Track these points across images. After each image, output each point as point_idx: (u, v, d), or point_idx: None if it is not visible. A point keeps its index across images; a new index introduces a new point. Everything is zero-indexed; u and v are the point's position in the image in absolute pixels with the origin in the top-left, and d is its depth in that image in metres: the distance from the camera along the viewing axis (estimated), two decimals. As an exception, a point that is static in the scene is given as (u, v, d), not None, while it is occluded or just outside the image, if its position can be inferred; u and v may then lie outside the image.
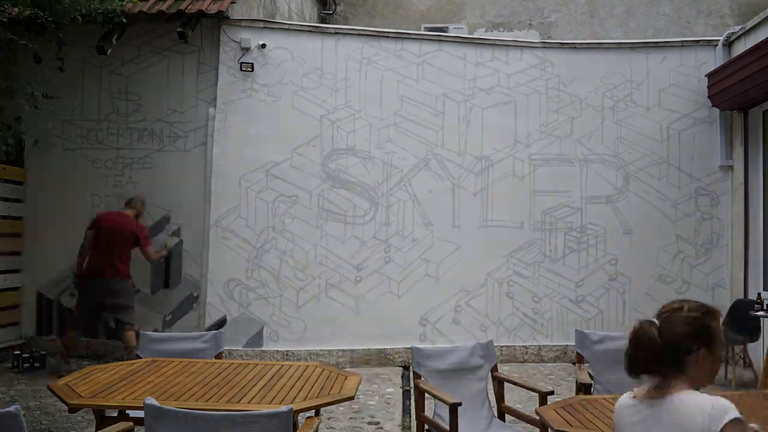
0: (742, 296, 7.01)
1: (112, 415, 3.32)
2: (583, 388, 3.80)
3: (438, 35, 7.80)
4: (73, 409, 3.01)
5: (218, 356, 4.26)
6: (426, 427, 3.71)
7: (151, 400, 2.52)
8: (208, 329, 6.96)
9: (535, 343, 7.31)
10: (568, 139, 7.48)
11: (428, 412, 3.79)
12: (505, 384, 4.06)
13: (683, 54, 7.60)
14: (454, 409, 3.27)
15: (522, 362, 7.22)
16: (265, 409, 2.80)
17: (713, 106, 7.40)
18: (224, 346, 4.40)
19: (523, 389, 5.91)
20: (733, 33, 7.44)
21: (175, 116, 7.22)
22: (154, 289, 7.16)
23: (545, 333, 7.31)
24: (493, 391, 4.06)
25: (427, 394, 3.68)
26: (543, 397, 3.56)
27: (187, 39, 6.81)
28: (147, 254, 6.50)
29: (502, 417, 3.94)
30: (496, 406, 4.01)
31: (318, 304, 7.10)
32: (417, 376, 3.82)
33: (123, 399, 3.05)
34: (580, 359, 4.25)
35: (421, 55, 7.42)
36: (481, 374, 4.03)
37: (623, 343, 1.93)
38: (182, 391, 3.16)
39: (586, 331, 4.39)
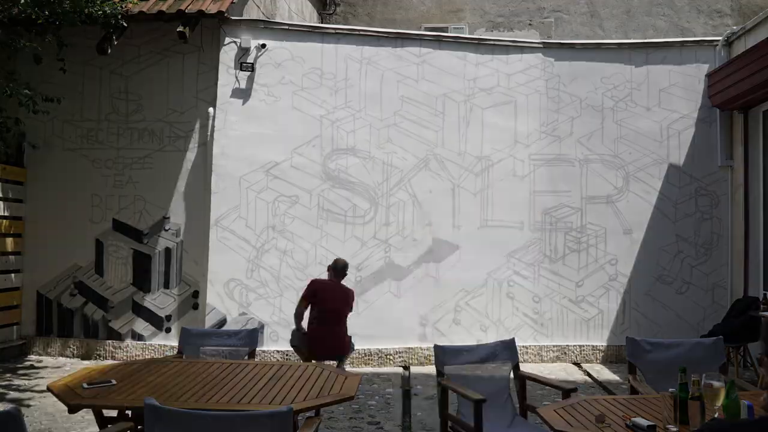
0: (741, 296, 7.00)
1: (112, 415, 3.32)
2: None
3: (438, 35, 7.79)
4: (73, 409, 3.01)
5: (252, 354, 4.31)
6: (450, 424, 3.69)
7: (151, 400, 2.51)
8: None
9: (536, 343, 7.31)
10: (568, 139, 7.48)
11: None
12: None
13: (683, 54, 7.60)
14: (478, 406, 3.24)
15: (522, 362, 7.18)
16: (265, 409, 2.80)
17: (713, 106, 7.40)
18: (259, 345, 4.44)
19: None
20: (733, 33, 7.44)
21: (175, 116, 7.22)
22: (154, 289, 7.17)
23: (545, 333, 7.31)
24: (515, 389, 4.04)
25: (451, 392, 3.67)
26: (566, 394, 3.50)
27: (187, 39, 6.81)
28: None
29: (524, 414, 3.93)
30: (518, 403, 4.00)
31: (318, 304, 7.09)
32: (440, 374, 3.82)
33: (123, 399, 3.05)
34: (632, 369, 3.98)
35: (421, 55, 7.42)
36: (503, 372, 4.02)
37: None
38: (182, 391, 3.16)
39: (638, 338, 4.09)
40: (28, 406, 5.23)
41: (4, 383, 5.98)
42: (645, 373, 3.93)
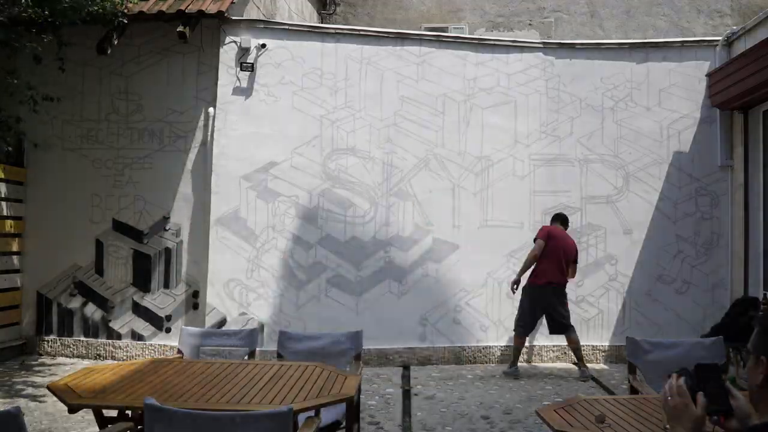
0: (741, 296, 6.99)
1: (112, 415, 3.32)
2: None
3: (438, 35, 7.79)
4: (73, 409, 3.01)
5: (252, 354, 4.30)
6: None
7: (151, 400, 2.51)
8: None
9: (535, 344, 7.31)
10: (568, 139, 7.48)
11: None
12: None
13: (683, 54, 7.60)
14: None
15: (522, 362, 7.21)
16: (265, 409, 2.80)
17: (713, 106, 7.39)
18: (259, 345, 4.51)
19: (522, 391, 5.89)
20: (733, 33, 7.43)
21: (175, 116, 7.22)
22: (154, 290, 7.17)
23: (545, 333, 7.30)
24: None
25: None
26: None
27: (188, 39, 6.80)
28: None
29: None
30: None
31: (318, 304, 7.10)
32: (280, 356, 4.19)
33: (123, 399, 3.05)
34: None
35: (421, 55, 7.42)
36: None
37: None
38: (182, 391, 3.15)
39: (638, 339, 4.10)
40: (29, 406, 5.23)
41: (5, 383, 5.97)
42: (645, 373, 3.93)
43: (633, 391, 3.79)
